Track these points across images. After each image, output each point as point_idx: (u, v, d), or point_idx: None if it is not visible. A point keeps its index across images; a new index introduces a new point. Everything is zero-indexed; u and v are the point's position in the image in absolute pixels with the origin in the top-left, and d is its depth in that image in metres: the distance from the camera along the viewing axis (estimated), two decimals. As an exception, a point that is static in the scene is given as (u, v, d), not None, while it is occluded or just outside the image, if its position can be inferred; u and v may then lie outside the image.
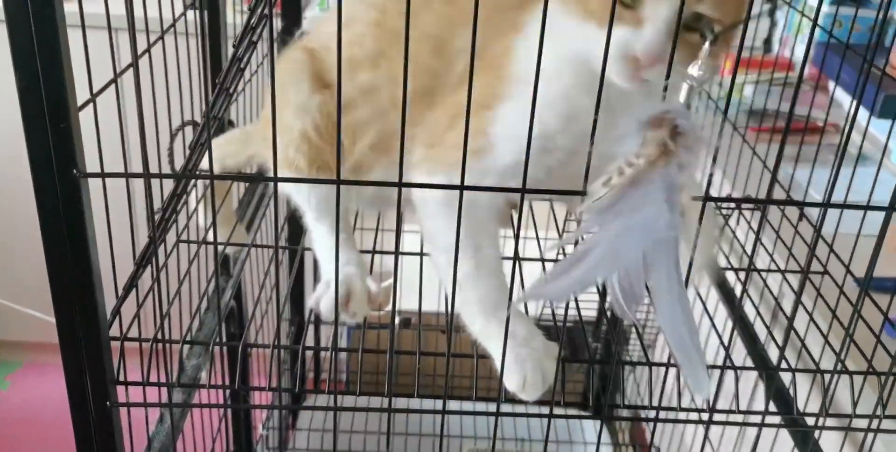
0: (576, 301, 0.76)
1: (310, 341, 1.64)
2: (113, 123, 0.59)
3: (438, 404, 0.66)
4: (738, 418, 0.70)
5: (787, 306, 0.87)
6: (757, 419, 0.69)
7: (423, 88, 0.70)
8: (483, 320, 0.67)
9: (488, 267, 0.67)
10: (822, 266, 0.84)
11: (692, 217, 0.55)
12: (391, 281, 0.72)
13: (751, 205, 1.00)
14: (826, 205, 0.59)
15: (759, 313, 0.81)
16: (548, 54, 0.52)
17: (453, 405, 1.60)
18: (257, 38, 0.76)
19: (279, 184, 0.84)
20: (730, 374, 0.69)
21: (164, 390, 0.69)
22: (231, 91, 0.71)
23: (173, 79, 0.80)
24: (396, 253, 0.62)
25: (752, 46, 1.96)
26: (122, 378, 0.66)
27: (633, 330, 0.79)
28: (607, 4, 0.51)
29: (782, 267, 0.88)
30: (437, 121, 0.69)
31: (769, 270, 0.87)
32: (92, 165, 0.58)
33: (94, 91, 0.58)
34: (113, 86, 0.62)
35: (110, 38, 0.60)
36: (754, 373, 0.89)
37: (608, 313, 1.50)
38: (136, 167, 0.60)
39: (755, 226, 1.00)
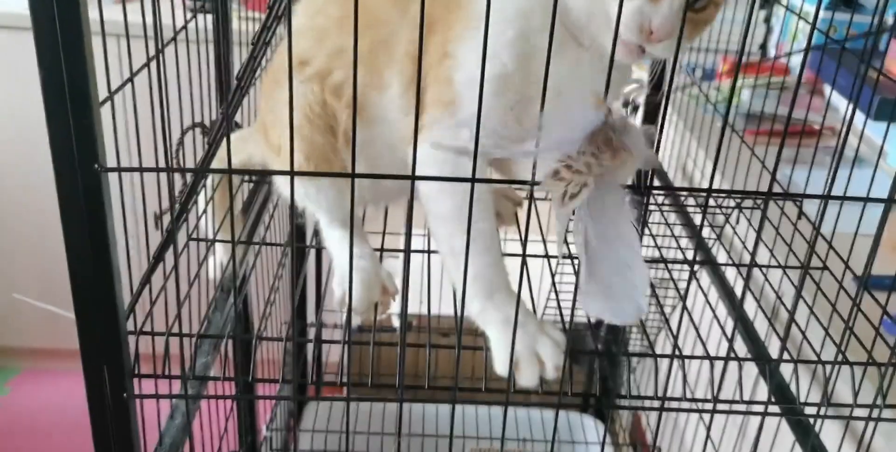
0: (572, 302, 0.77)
1: (310, 342, 1.65)
2: (123, 124, 0.61)
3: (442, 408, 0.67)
4: (741, 410, 0.72)
5: (786, 302, 0.88)
6: (758, 410, 0.71)
7: (381, 38, 0.71)
8: (480, 303, 0.68)
9: (483, 243, 0.67)
10: (821, 262, 0.86)
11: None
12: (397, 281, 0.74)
13: (750, 203, 1.02)
14: (826, 197, 0.61)
15: (760, 307, 0.83)
16: None
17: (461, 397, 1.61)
18: (270, 36, 0.77)
19: (283, 187, 0.86)
20: (731, 366, 0.70)
21: (174, 389, 0.71)
22: (246, 90, 0.73)
23: (181, 83, 0.82)
24: (407, 249, 0.63)
25: (748, 51, 1.98)
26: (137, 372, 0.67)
27: (638, 324, 0.80)
28: None
29: (781, 263, 0.90)
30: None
31: (769, 266, 0.89)
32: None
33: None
34: (129, 85, 0.64)
35: (128, 40, 0.62)
36: (754, 371, 0.90)
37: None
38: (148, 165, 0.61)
39: (754, 224, 1.02)
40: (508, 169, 0.91)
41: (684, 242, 1.08)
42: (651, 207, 1.12)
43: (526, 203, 0.99)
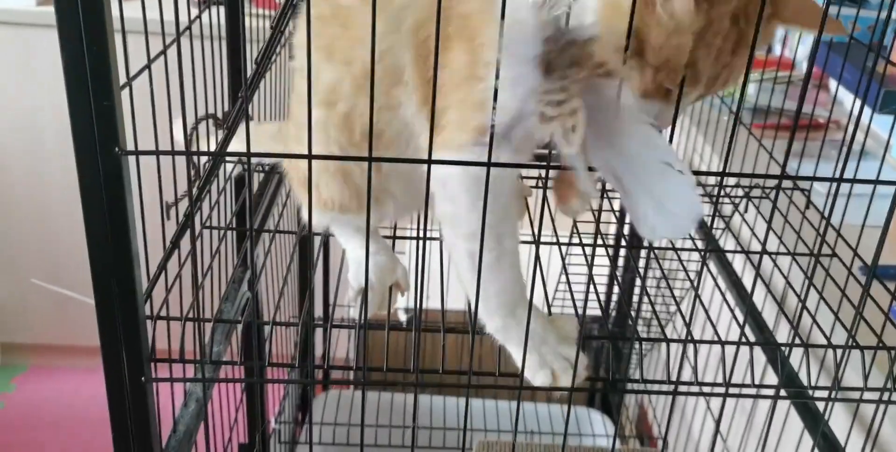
0: (571, 297, 0.77)
1: (319, 340, 1.65)
2: (139, 110, 0.62)
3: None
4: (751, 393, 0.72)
5: (795, 290, 0.89)
6: (768, 394, 0.71)
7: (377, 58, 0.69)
8: (501, 318, 0.67)
9: (509, 260, 0.66)
10: (830, 249, 0.86)
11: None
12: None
13: (759, 193, 1.02)
14: (838, 180, 0.62)
15: (771, 293, 0.83)
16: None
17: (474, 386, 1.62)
18: (286, 24, 0.78)
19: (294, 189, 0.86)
20: (740, 353, 0.71)
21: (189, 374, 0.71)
22: (262, 75, 0.73)
23: (194, 76, 0.83)
24: (423, 237, 0.64)
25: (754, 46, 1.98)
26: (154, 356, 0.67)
27: (651, 310, 0.81)
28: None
29: (790, 251, 0.90)
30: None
31: (778, 253, 0.89)
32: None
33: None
34: (145, 73, 0.65)
35: (145, 23, 0.63)
36: (762, 359, 0.91)
37: (614, 306, 1.53)
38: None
39: (762, 214, 1.02)
40: None
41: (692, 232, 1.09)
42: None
43: (538, 191, 0.99)
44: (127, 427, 0.67)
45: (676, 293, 1.26)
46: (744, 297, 0.98)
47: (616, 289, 1.49)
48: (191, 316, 0.68)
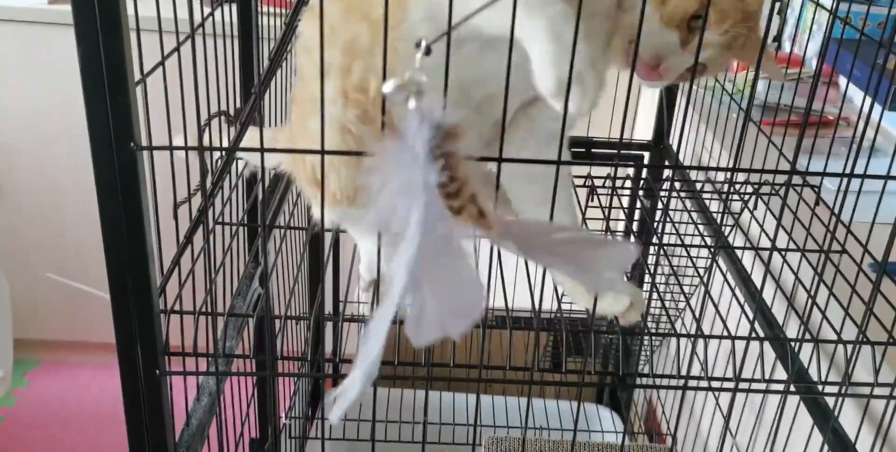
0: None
1: (329, 336, 1.66)
2: (150, 107, 0.62)
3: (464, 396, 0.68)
4: (761, 388, 0.73)
5: (803, 286, 0.89)
6: (778, 389, 0.71)
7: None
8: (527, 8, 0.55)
9: None
10: (840, 245, 0.86)
11: None
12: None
13: (768, 190, 1.02)
14: (849, 175, 0.62)
15: (781, 289, 0.84)
16: None
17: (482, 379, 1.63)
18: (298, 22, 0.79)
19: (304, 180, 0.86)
20: (750, 348, 0.71)
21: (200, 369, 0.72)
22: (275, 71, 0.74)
23: (206, 74, 0.83)
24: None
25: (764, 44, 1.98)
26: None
27: (661, 306, 0.81)
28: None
29: (799, 247, 0.91)
30: None
31: (788, 249, 0.89)
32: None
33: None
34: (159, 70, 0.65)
35: (159, 20, 0.63)
36: (770, 355, 0.91)
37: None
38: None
39: (770, 209, 1.02)
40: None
41: (701, 229, 1.09)
42: (666, 194, 1.13)
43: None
44: (141, 420, 0.68)
45: (685, 289, 1.26)
46: (753, 293, 0.98)
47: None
48: (203, 310, 0.69)
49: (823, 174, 0.63)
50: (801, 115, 1.50)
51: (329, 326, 1.58)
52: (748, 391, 0.70)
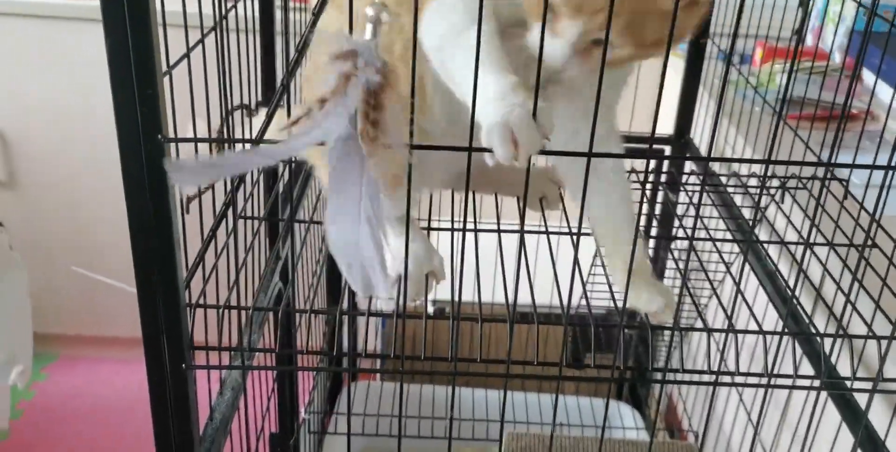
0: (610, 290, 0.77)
1: (347, 333, 1.66)
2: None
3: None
4: (790, 384, 0.71)
5: (829, 280, 0.87)
6: (807, 385, 0.70)
7: None
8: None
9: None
10: (870, 239, 0.85)
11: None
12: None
13: (794, 184, 1.01)
14: (886, 167, 0.61)
15: (811, 283, 0.82)
16: None
17: (494, 383, 1.63)
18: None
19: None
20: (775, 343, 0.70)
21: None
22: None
23: (227, 68, 0.83)
24: (460, 228, 0.64)
25: (777, 36, 1.96)
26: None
27: (690, 301, 0.80)
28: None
29: (828, 241, 0.89)
30: None
31: (816, 243, 0.88)
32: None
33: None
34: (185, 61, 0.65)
35: (184, 13, 0.63)
36: (798, 351, 0.90)
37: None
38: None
39: (798, 202, 1.01)
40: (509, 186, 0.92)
41: (723, 224, 1.08)
42: (693, 189, 1.12)
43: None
44: (167, 413, 0.68)
45: (707, 284, 1.25)
46: (779, 288, 0.97)
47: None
48: (228, 304, 0.68)
49: (858, 166, 0.62)
50: (826, 109, 1.48)
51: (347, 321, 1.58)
52: (780, 386, 0.69)
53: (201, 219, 0.72)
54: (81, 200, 2.14)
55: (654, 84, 0.61)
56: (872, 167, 0.62)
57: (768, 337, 0.68)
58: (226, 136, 0.75)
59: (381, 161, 0.54)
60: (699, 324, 1.47)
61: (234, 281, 0.73)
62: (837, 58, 1.83)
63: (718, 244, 0.98)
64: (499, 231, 0.85)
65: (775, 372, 0.69)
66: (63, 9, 1.93)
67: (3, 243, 1.58)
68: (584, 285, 0.75)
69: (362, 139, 0.52)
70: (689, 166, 1.47)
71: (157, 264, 0.63)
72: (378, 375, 1.84)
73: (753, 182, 1.06)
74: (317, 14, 0.80)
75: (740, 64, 1.88)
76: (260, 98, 1.03)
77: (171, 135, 0.60)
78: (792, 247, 0.97)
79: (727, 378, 0.69)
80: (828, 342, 0.72)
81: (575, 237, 0.76)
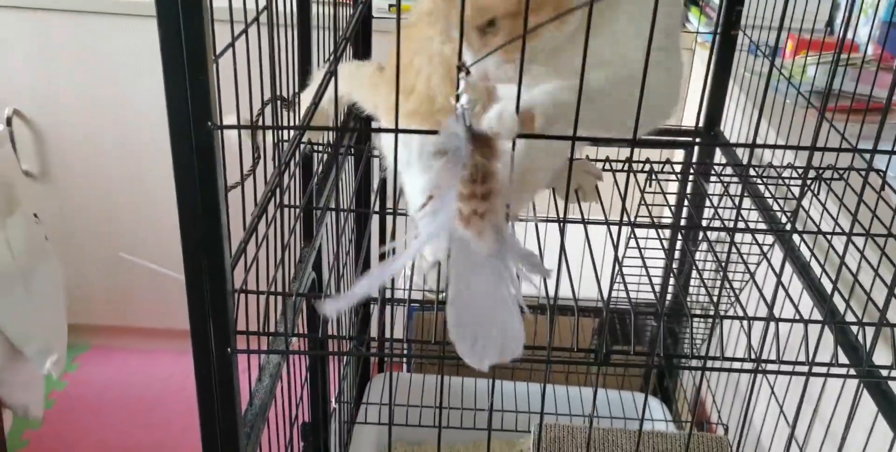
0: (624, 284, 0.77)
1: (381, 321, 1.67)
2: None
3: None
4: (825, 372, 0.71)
5: (865, 270, 0.87)
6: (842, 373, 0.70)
7: None
8: None
9: None
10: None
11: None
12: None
13: (830, 174, 1.01)
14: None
15: (848, 270, 0.82)
16: None
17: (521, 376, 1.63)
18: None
19: (383, 144, 0.87)
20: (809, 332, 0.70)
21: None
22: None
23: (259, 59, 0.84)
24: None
25: (813, 28, 1.95)
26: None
27: (724, 290, 0.80)
28: None
29: (866, 231, 0.89)
30: None
31: (854, 233, 0.88)
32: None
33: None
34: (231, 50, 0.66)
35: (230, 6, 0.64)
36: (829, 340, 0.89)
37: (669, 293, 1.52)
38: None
39: (835, 192, 1.01)
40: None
41: (755, 215, 1.08)
42: (720, 180, 1.12)
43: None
44: (212, 397, 0.69)
45: (734, 276, 1.24)
46: (813, 278, 0.97)
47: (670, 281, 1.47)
48: (267, 291, 0.69)
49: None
50: (861, 102, 1.46)
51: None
52: (822, 375, 0.69)
53: (244, 206, 0.73)
54: (113, 192, 2.17)
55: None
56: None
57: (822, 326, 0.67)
58: (273, 123, 0.76)
59: (491, 237, 0.54)
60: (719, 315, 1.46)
61: (276, 269, 0.74)
62: (870, 49, 1.81)
63: (748, 235, 0.98)
64: (539, 221, 0.86)
65: (800, 360, 0.69)
66: (95, 4, 1.96)
67: (38, 234, 1.61)
68: (622, 276, 0.75)
69: (467, 223, 0.53)
70: (718, 158, 1.46)
71: (205, 249, 0.64)
72: (405, 366, 1.85)
73: (787, 174, 1.06)
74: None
75: (766, 57, 1.87)
76: (297, 90, 1.04)
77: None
78: (823, 237, 0.97)
79: (766, 367, 0.69)
80: (864, 331, 0.72)
81: (613, 227, 0.76)
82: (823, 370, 0.70)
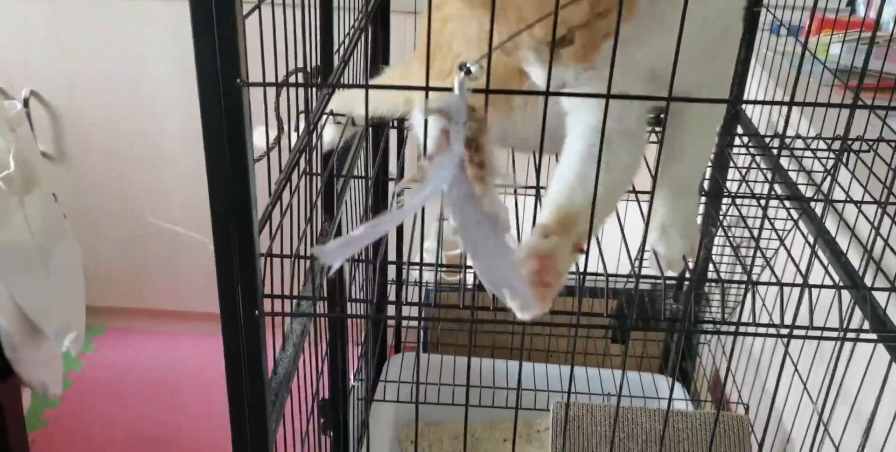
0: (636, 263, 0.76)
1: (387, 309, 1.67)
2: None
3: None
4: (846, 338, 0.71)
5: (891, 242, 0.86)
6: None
7: None
8: None
9: None
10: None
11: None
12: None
13: (859, 146, 0.99)
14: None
15: (885, 241, 0.81)
16: None
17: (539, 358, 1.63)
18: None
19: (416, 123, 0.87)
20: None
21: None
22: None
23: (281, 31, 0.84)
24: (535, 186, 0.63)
25: (837, 8, 1.93)
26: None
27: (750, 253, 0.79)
28: None
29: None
30: None
31: (889, 203, 0.87)
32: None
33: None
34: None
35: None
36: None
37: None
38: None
39: (859, 169, 0.99)
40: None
41: (779, 188, 1.06)
42: (749, 151, 1.11)
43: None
44: (240, 361, 0.69)
45: (762, 244, 1.23)
46: (837, 251, 0.96)
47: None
48: (294, 254, 0.69)
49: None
50: (887, 81, 1.45)
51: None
52: (855, 340, 0.68)
53: (269, 172, 0.73)
54: (130, 174, 2.17)
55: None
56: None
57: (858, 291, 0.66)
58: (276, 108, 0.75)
59: (492, 197, 0.57)
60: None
61: (302, 233, 0.73)
62: (891, 27, 1.79)
63: (774, 206, 0.97)
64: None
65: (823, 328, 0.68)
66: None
67: (57, 213, 1.61)
68: (627, 250, 0.75)
69: (474, 182, 0.56)
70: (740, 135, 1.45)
71: (233, 212, 0.64)
72: (420, 347, 1.85)
73: (815, 145, 1.05)
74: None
75: (789, 35, 1.85)
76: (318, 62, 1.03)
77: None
78: (851, 208, 0.96)
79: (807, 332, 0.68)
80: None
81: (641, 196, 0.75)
82: (855, 338, 0.69)
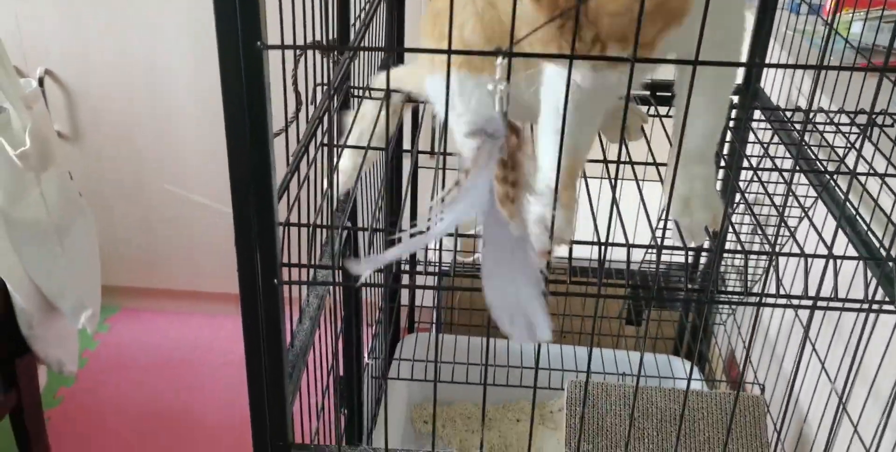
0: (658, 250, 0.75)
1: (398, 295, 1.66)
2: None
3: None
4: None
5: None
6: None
7: None
8: None
9: None
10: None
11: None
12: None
13: (882, 120, 0.98)
14: None
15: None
16: None
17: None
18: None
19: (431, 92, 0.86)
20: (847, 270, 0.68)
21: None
22: None
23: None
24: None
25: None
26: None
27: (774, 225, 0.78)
28: None
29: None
30: None
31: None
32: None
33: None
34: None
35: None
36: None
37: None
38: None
39: (882, 144, 0.98)
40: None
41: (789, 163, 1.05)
42: (771, 127, 1.09)
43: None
44: (258, 330, 0.69)
45: (772, 219, 1.22)
46: (853, 223, 0.95)
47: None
48: (312, 224, 0.68)
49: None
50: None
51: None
52: (879, 311, 0.67)
53: (287, 142, 0.72)
54: (144, 153, 2.17)
55: None
56: None
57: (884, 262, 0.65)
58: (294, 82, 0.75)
59: (522, 220, 0.57)
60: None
61: (319, 206, 0.73)
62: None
63: (796, 181, 0.96)
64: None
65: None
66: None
67: (73, 190, 1.61)
68: (652, 229, 0.74)
69: (502, 204, 0.55)
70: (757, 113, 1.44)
71: (253, 180, 0.63)
72: (433, 328, 1.85)
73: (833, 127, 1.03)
74: None
75: (809, 13, 1.83)
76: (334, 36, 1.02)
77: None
78: (871, 182, 0.94)
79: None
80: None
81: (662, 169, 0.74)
82: (879, 309, 0.68)
